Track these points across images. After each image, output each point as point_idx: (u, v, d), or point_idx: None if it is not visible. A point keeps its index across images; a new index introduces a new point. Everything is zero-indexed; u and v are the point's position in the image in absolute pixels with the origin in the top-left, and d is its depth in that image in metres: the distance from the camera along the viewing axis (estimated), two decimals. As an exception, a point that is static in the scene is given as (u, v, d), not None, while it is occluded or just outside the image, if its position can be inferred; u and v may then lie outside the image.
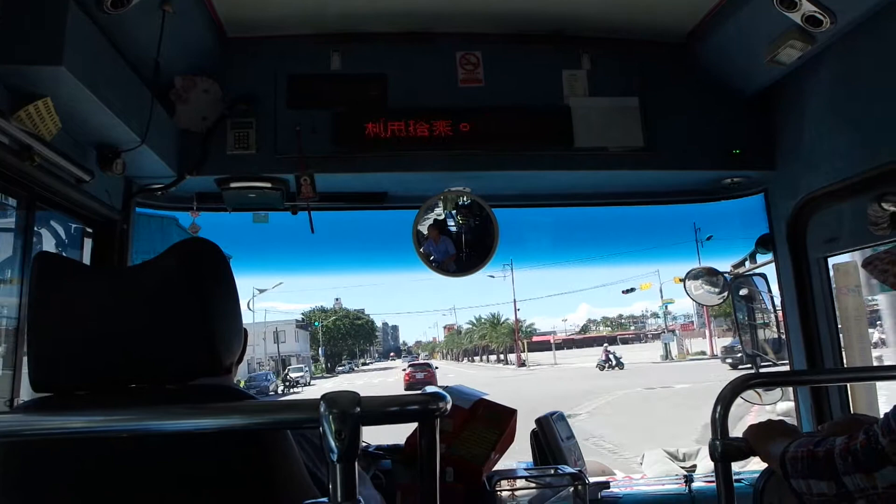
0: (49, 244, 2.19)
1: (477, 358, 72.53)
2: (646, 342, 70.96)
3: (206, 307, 1.15)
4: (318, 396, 0.89)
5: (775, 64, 2.29)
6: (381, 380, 43.97)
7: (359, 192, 2.74)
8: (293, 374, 44.36)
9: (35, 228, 2.04)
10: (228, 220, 2.71)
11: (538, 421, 2.38)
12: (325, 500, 0.90)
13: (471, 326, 72.71)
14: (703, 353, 45.51)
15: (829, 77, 2.28)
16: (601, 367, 36.77)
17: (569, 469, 2.15)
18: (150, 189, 2.46)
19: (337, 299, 74.32)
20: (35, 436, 0.97)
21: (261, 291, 46.79)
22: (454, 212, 2.69)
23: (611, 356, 38.10)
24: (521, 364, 53.00)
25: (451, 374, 45.34)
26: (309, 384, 43.59)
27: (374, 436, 2.17)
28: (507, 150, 2.54)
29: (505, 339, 63.39)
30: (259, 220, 2.67)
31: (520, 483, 2.07)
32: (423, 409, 0.98)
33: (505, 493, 2.04)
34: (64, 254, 2.22)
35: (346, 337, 70.91)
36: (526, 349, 58.61)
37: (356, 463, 0.89)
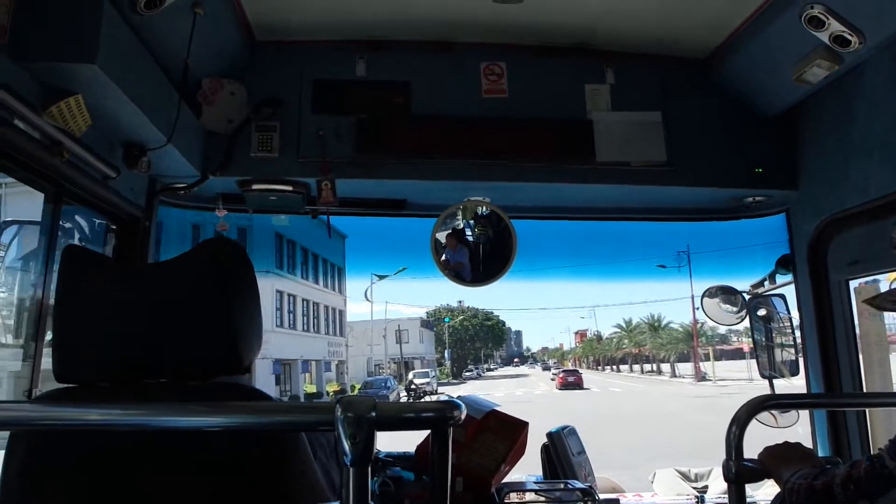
0: (73, 239, 2.22)
1: (625, 368, 61.07)
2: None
3: (231, 307, 1.17)
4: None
5: (801, 83, 2.27)
6: (525, 391, 36.95)
7: (379, 199, 2.75)
8: (418, 381, 37.35)
9: (60, 223, 2.07)
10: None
11: (549, 435, 2.36)
12: (337, 502, 0.90)
13: (618, 330, 62.78)
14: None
15: (855, 97, 2.26)
16: None
17: (579, 484, 2.13)
18: (174, 188, 2.49)
19: (460, 301, 65.70)
20: (53, 426, 0.99)
21: (381, 278, 39.32)
22: (472, 221, 2.69)
23: None
24: (702, 378, 41.81)
25: (613, 387, 37.83)
26: (436, 393, 35.53)
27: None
28: (529, 161, 2.54)
29: (676, 345, 51.56)
30: (280, 222, 2.70)
31: (529, 496, 2.05)
32: (438, 417, 0.98)
33: (514, 506, 2.03)
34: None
35: (475, 339, 63.48)
36: (712, 358, 45.86)
37: (368, 467, 0.89)
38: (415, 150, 2.51)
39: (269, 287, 27.42)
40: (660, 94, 2.65)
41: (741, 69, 2.52)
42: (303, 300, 32.95)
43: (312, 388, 32.76)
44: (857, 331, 2.47)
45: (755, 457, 1.56)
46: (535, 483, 2.20)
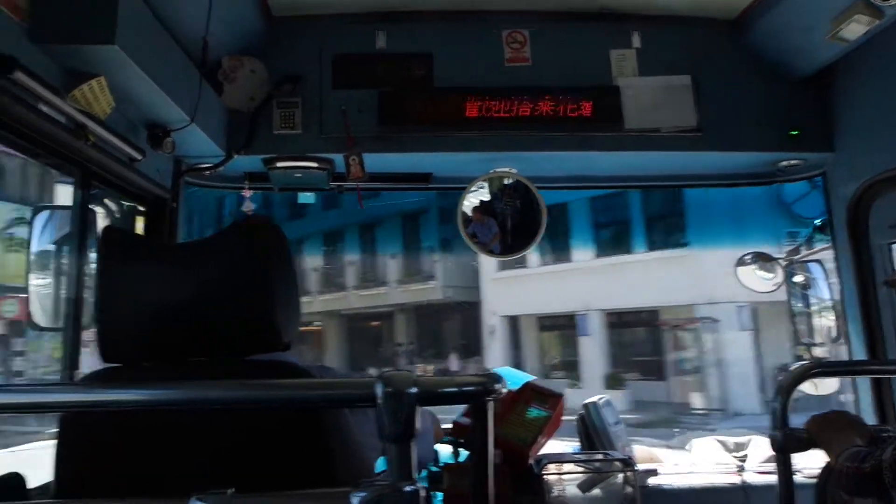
0: (103, 221, 2.22)
1: None
2: None
3: (267, 284, 1.17)
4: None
5: (838, 41, 2.19)
6: None
7: (404, 173, 2.73)
8: None
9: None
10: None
11: (585, 405, 2.35)
12: (379, 479, 0.89)
13: None
14: None
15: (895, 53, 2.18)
16: None
17: (619, 455, 2.12)
18: (199, 168, 2.49)
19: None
20: (97, 407, 0.99)
21: None
22: (499, 193, 2.66)
23: None
24: None
25: None
26: None
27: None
28: (555, 131, 2.49)
29: None
30: (306, 199, 2.69)
31: (567, 467, 2.05)
32: (480, 391, 0.96)
33: (552, 478, 2.03)
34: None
35: None
36: None
37: (411, 443, 0.88)
38: (439, 122, 2.48)
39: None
40: (688, 57, 2.58)
41: (773, 29, 2.43)
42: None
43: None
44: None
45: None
46: (574, 454, 2.19)
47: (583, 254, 18.25)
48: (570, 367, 19.29)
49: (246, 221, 1.23)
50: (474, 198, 2.62)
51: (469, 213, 2.62)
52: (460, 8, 2.58)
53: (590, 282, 17.55)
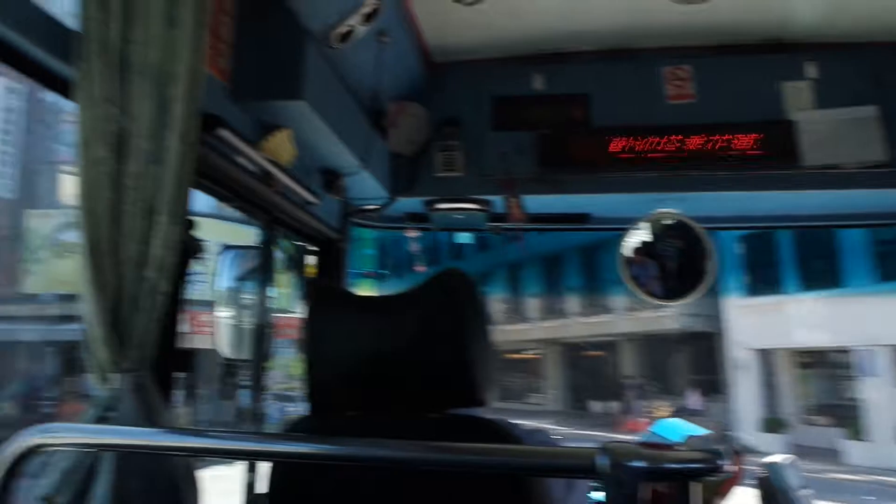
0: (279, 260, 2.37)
1: None
2: None
3: (466, 340, 1.17)
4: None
5: None
6: None
7: (561, 213, 2.70)
8: None
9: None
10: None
11: (765, 465, 2.16)
12: None
13: None
14: None
15: None
16: None
17: (811, 526, 1.91)
18: (365, 210, 2.61)
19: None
20: (307, 459, 1.03)
21: None
22: (660, 234, 2.55)
23: None
24: None
25: None
26: None
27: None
28: (721, 169, 2.37)
29: None
30: (464, 239, 2.73)
31: (751, 534, 1.88)
32: (707, 468, 0.87)
33: (734, 544, 1.86)
34: (289, 269, 2.41)
35: None
36: None
37: None
38: (598, 162, 2.44)
39: None
40: (872, 86, 2.37)
41: None
42: None
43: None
44: None
45: None
46: None
47: (858, 278, 15.20)
48: (841, 414, 16.26)
49: (444, 274, 1.24)
50: (634, 239, 2.53)
51: (630, 254, 2.53)
52: (617, 47, 2.55)
53: (872, 311, 14.30)
